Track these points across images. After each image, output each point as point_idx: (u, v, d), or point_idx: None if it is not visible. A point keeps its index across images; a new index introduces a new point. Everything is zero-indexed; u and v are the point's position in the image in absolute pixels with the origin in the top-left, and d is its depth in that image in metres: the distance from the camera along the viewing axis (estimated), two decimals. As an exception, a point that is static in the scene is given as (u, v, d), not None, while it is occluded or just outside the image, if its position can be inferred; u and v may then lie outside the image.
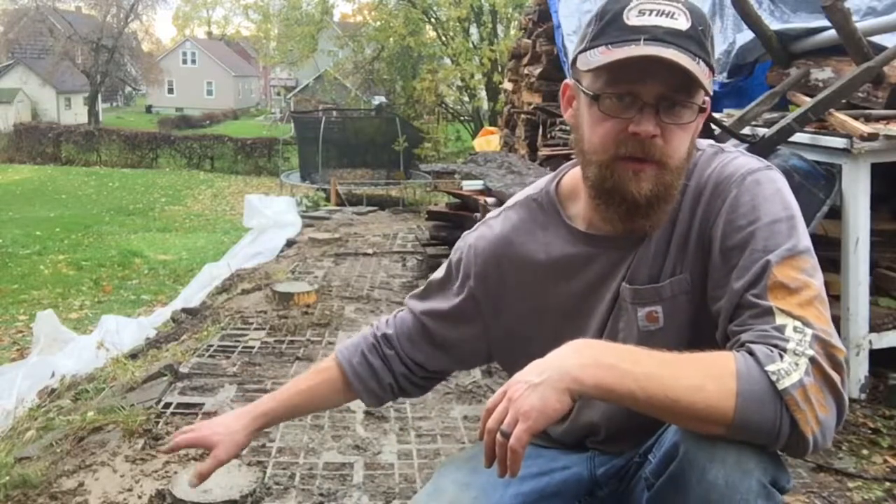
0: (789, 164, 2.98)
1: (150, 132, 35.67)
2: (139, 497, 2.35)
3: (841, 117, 3.04)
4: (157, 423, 2.86)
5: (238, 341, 3.91)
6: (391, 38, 22.79)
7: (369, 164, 22.25)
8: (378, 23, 23.39)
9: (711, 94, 1.17)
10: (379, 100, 26.17)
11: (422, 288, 1.47)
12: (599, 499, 1.35)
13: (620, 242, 1.25)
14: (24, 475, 2.47)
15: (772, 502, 1.06)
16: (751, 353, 1.05)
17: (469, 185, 5.54)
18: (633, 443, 1.29)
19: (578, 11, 6.03)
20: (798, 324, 1.06)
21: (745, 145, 3.03)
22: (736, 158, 1.23)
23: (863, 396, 2.95)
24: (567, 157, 4.62)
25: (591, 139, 1.19)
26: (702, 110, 1.17)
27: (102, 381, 3.89)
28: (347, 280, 5.35)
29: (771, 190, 1.17)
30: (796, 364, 1.03)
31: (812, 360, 1.04)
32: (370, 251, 6.39)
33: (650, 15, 1.14)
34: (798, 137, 3.13)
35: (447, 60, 22.99)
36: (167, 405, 3.05)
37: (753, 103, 3.52)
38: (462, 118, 24.71)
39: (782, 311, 1.08)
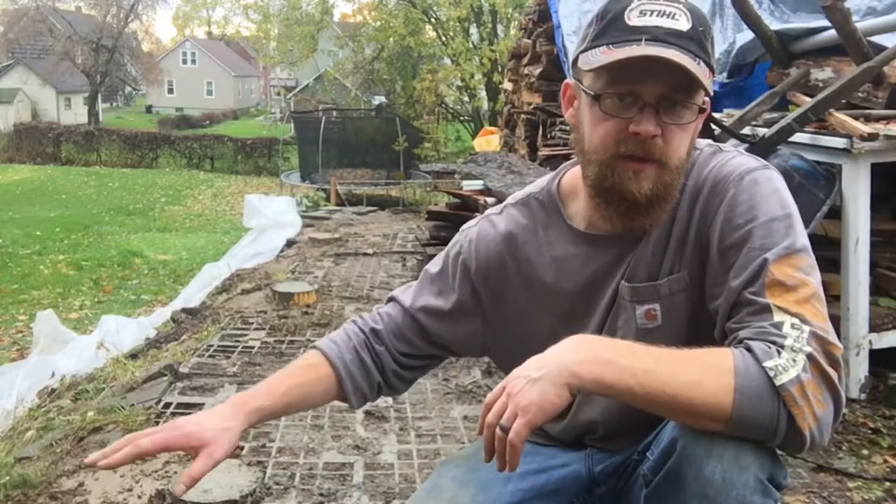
0: (789, 164, 2.98)
1: (150, 132, 35.67)
2: (139, 497, 2.35)
3: (841, 117, 3.05)
4: (157, 423, 2.86)
5: (238, 341, 3.92)
6: (391, 38, 22.80)
7: (369, 164, 22.24)
8: (378, 23, 23.41)
9: (712, 94, 1.18)
10: (379, 100, 26.17)
11: (415, 282, 1.44)
12: (598, 496, 1.35)
13: (619, 241, 1.26)
14: (24, 475, 2.47)
15: (769, 498, 1.07)
16: (749, 349, 1.06)
17: (469, 185, 5.54)
18: (631, 440, 1.29)
19: (578, 11, 6.03)
20: (795, 321, 1.07)
21: (745, 145, 3.03)
22: (734, 158, 1.24)
23: (863, 396, 2.95)
24: (567, 157, 4.62)
25: (592, 138, 1.20)
26: (702, 111, 1.18)
27: (102, 381, 3.89)
28: (347, 280, 5.35)
29: (768, 189, 1.18)
30: (794, 360, 1.04)
31: (810, 356, 1.05)
32: (370, 251, 6.39)
33: (651, 15, 1.14)
34: (798, 137, 3.13)
35: (447, 60, 23.01)
36: (167, 405, 3.05)
37: (753, 103, 3.52)
38: (462, 118, 24.73)
39: (780, 308, 1.08)
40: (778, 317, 1.08)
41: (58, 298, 11.96)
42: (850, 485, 2.39)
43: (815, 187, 2.98)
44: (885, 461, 2.54)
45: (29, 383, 4.82)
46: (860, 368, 2.95)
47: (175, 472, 2.47)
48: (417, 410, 3.07)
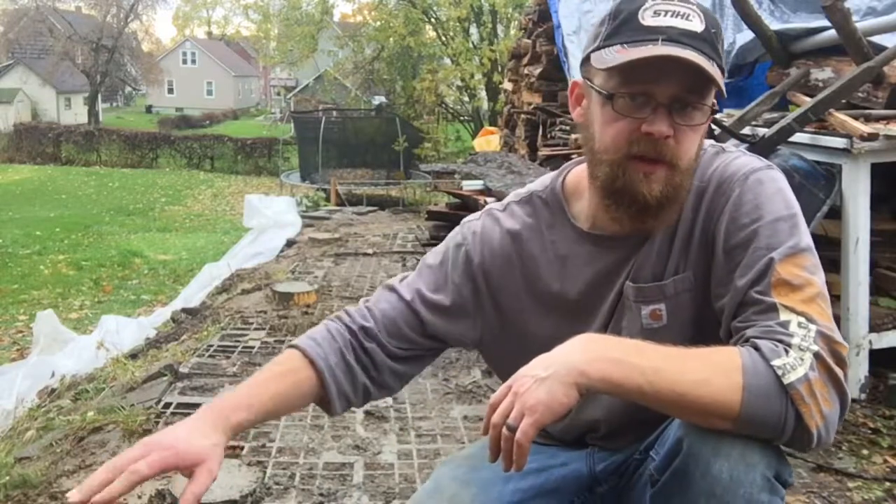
0: (789, 164, 2.98)
1: (150, 132, 35.66)
2: (139, 497, 2.35)
3: (841, 117, 3.05)
4: (157, 423, 2.86)
5: (238, 341, 3.92)
6: (391, 38, 22.80)
7: (369, 164, 22.23)
8: (378, 23, 23.41)
9: (725, 96, 1.18)
10: (379, 100, 26.17)
11: (412, 273, 1.40)
12: (599, 495, 1.35)
13: (624, 242, 1.26)
14: (24, 475, 2.47)
15: (775, 496, 1.07)
16: (756, 347, 1.06)
17: (469, 185, 5.55)
18: (632, 439, 1.29)
19: (578, 11, 6.03)
20: (802, 320, 1.08)
21: (745, 145, 3.03)
22: (738, 158, 1.24)
23: (863, 396, 2.95)
24: (567, 157, 4.63)
25: (603, 138, 1.19)
26: (712, 112, 1.18)
27: (102, 381, 3.89)
28: (347, 280, 5.35)
29: (773, 189, 1.18)
30: (801, 359, 1.04)
31: (816, 355, 1.05)
32: (370, 251, 6.39)
33: (665, 16, 1.14)
34: (798, 137, 3.13)
35: (447, 60, 23.01)
36: (167, 405, 3.05)
37: (753, 103, 3.52)
38: (462, 118, 24.73)
39: (786, 307, 1.09)
40: (784, 316, 1.08)
41: (58, 298, 11.96)
42: (850, 485, 2.39)
43: (815, 187, 2.98)
44: (885, 461, 2.54)
45: (29, 383, 4.82)
46: (860, 368, 2.95)
47: (175, 472, 2.46)
48: (417, 410, 3.07)
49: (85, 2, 41.82)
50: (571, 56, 5.79)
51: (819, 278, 1.13)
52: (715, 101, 1.19)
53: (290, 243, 7.28)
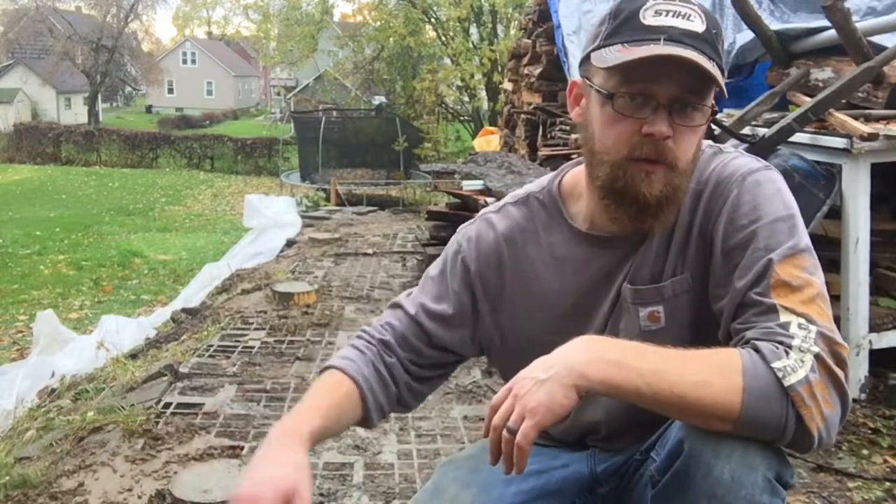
0: (789, 164, 2.98)
1: (150, 132, 35.64)
2: (139, 497, 2.35)
3: (841, 117, 3.04)
4: (157, 423, 2.86)
5: (238, 341, 3.92)
6: (391, 38, 22.79)
7: (369, 164, 22.22)
8: (378, 23, 23.39)
9: (727, 96, 1.18)
10: (379, 100, 26.16)
11: (417, 287, 1.41)
12: (600, 496, 1.35)
13: (621, 243, 1.26)
14: (24, 475, 2.47)
15: (777, 497, 1.07)
16: (756, 349, 1.06)
17: (469, 185, 5.54)
18: (633, 440, 1.29)
19: (578, 11, 6.03)
20: (802, 321, 1.07)
21: (745, 145, 3.03)
22: (735, 158, 1.23)
23: (863, 396, 2.95)
24: (567, 157, 4.63)
25: (604, 139, 1.19)
26: (712, 113, 1.18)
27: (102, 381, 3.89)
28: (347, 280, 5.35)
29: (771, 190, 1.18)
30: (802, 361, 1.04)
31: (817, 356, 1.05)
32: (370, 251, 6.39)
33: (667, 16, 1.14)
34: (798, 137, 3.13)
35: (447, 60, 23.00)
36: (167, 405, 3.05)
37: (753, 103, 3.52)
38: (462, 118, 24.72)
39: (786, 308, 1.08)
40: (784, 317, 1.08)
41: (58, 298, 11.96)
42: (850, 485, 2.39)
43: (815, 187, 2.98)
44: (885, 461, 2.54)
45: (29, 383, 4.82)
46: (860, 368, 2.95)
47: (175, 472, 2.47)
48: (417, 410, 3.05)
49: (85, 2, 41.82)
50: (571, 56, 5.79)
51: (818, 279, 1.13)
52: (714, 101, 1.18)
53: (290, 243, 7.28)
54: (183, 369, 3.45)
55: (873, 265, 3.08)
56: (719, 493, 1.04)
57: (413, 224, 7.83)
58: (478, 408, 3.08)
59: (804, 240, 1.15)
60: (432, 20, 23.09)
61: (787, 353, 1.04)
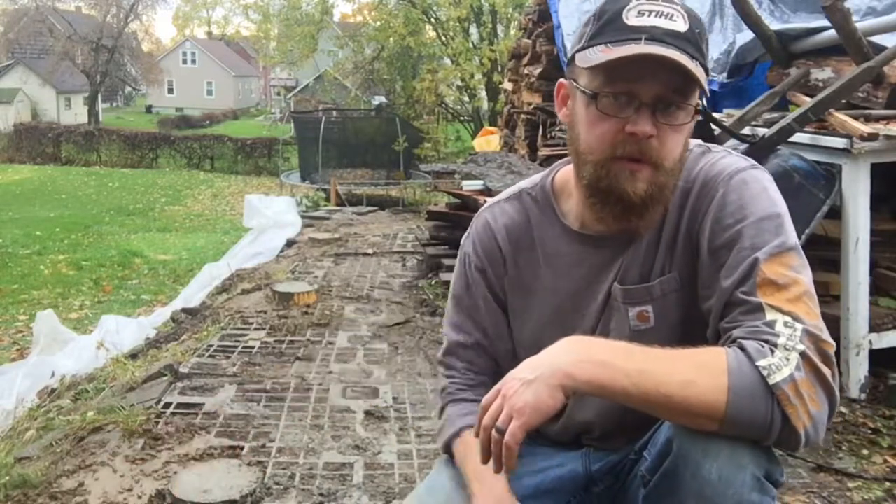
0: (789, 164, 2.98)
1: (150, 132, 35.64)
2: (139, 497, 2.35)
3: (841, 117, 3.05)
4: (157, 423, 2.86)
5: (238, 341, 3.91)
6: (391, 38, 22.79)
7: (369, 164, 22.23)
8: (378, 23, 23.39)
9: (709, 95, 1.18)
10: (379, 100, 26.16)
11: (451, 323, 1.41)
12: (595, 495, 1.35)
13: (612, 242, 1.27)
14: (24, 475, 2.47)
15: (766, 495, 1.07)
16: (742, 348, 1.06)
17: (469, 185, 5.54)
18: (627, 439, 1.30)
19: (578, 11, 6.03)
20: (788, 319, 1.08)
21: (745, 145, 3.03)
22: (723, 158, 1.24)
23: (863, 396, 2.95)
24: (567, 157, 4.62)
25: (588, 139, 1.20)
26: (696, 112, 1.18)
27: (102, 381, 3.89)
28: (347, 280, 5.35)
29: (757, 189, 1.18)
30: (787, 359, 1.04)
31: (803, 354, 1.05)
32: (370, 251, 6.39)
33: (649, 16, 1.15)
34: (798, 137, 3.13)
35: (447, 60, 22.99)
36: (167, 405, 3.05)
37: (753, 103, 3.52)
38: (462, 118, 24.72)
39: (772, 307, 1.09)
40: (770, 315, 1.08)
41: (58, 298, 11.95)
42: (850, 485, 2.39)
43: (815, 187, 2.98)
44: (885, 461, 2.53)
45: (29, 383, 4.82)
46: (860, 368, 2.95)
47: (175, 472, 2.47)
48: (417, 410, 3.07)
49: (85, 2, 41.81)
50: (569, 55, 5.79)
51: (806, 277, 1.13)
52: (701, 101, 1.19)
53: (290, 243, 7.28)
54: (183, 369, 3.45)
55: (873, 265, 3.07)
56: (707, 492, 1.05)
57: (413, 224, 7.83)
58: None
59: (791, 238, 1.15)
60: (432, 20, 23.09)
61: (772, 351, 1.05)
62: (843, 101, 3.20)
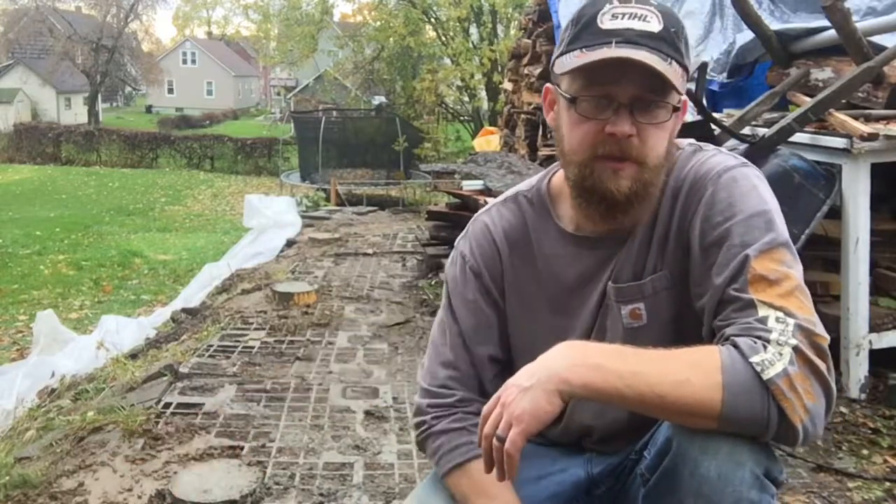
0: (789, 164, 2.98)
1: (150, 132, 35.63)
2: (139, 497, 2.35)
3: (841, 117, 3.05)
4: (157, 423, 2.86)
5: (238, 341, 3.91)
6: (391, 38, 22.78)
7: (369, 164, 22.22)
8: (378, 23, 23.38)
9: (684, 93, 1.20)
10: (379, 100, 26.15)
11: (439, 322, 1.40)
12: (597, 497, 1.36)
13: (606, 242, 1.28)
14: (24, 475, 2.47)
15: (765, 493, 1.08)
16: (735, 345, 1.07)
17: (469, 185, 5.54)
18: (627, 441, 1.30)
19: (578, 11, 6.02)
20: (780, 314, 1.08)
21: (745, 145, 3.03)
22: (713, 157, 1.25)
23: (863, 396, 2.95)
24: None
25: (571, 141, 1.22)
26: (676, 109, 1.20)
27: (102, 381, 3.89)
28: (347, 280, 5.35)
29: (747, 186, 1.19)
30: (780, 354, 1.05)
31: (795, 349, 1.05)
32: (370, 251, 6.39)
33: (623, 18, 1.17)
34: (798, 137, 3.13)
35: (447, 60, 22.98)
36: (167, 405, 3.05)
37: (753, 103, 3.52)
38: (462, 118, 24.71)
39: (764, 302, 1.09)
40: (762, 311, 1.09)
41: (58, 298, 11.95)
42: (850, 485, 2.39)
43: (815, 187, 2.98)
44: (885, 461, 2.53)
45: (29, 383, 4.82)
46: (860, 368, 2.95)
47: (175, 472, 2.47)
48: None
49: (85, 2, 41.81)
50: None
51: (797, 271, 1.14)
52: (685, 97, 1.21)
53: (290, 243, 7.28)
54: (183, 369, 3.45)
55: (873, 265, 3.07)
56: (706, 490, 1.05)
57: (413, 224, 7.83)
58: (478, 408, 3.07)
59: (781, 234, 1.16)
60: (432, 20, 23.08)
61: (765, 347, 1.05)
62: (843, 101, 3.20)
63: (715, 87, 4.26)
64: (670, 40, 1.17)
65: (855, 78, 3.14)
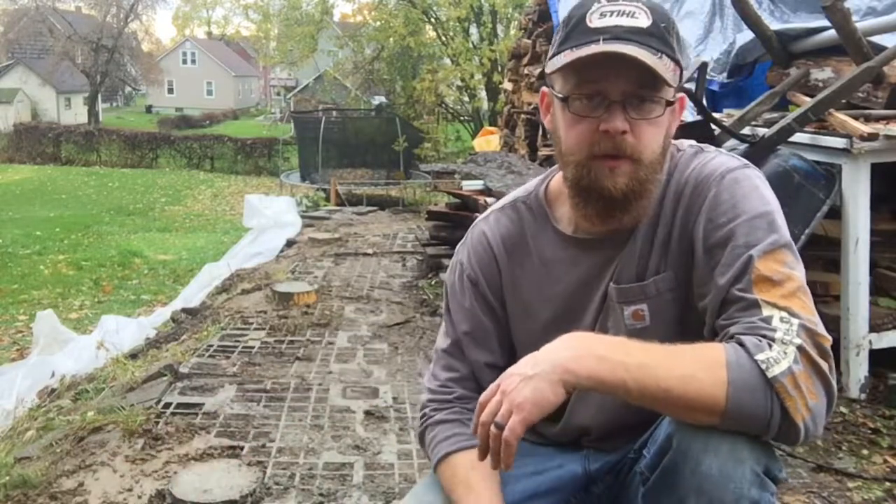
0: (789, 164, 2.98)
1: (150, 132, 35.63)
2: (139, 497, 2.35)
3: (841, 117, 3.05)
4: (157, 423, 2.86)
5: (238, 341, 3.91)
6: (391, 38, 22.78)
7: (369, 164, 22.23)
8: (378, 23, 23.38)
9: (676, 87, 1.20)
10: (379, 100, 26.16)
11: (441, 327, 1.42)
12: (595, 495, 1.36)
13: (606, 244, 1.28)
14: (24, 475, 2.47)
15: (765, 491, 1.08)
16: (740, 343, 1.07)
17: (469, 185, 5.54)
18: (625, 440, 1.31)
19: (578, 11, 6.02)
20: (784, 314, 1.09)
21: (745, 145, 3.02)
22: (715, 158, 1.26)
23: (863, 396, 2.95)
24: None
25: (567, 141, 1.23)
26: (669, 104, 1.20)
27: (102, 381, 3.89)
28: (347, 280, 5.35)
29: (749, 187, 1.20)
30: (784, 353, 1.06)
31: (800, 348, 1.06)
32: (370, 251, 6.39)
33: (611, 16, 1.18)
34: (798, 137, 3.13)
35: (447, 60, 22.98)
36: (167, 405, 3.05)
37: (753, 103, 3.52)
38: (462, 118, 24.71)
39: (768, 302, 1.10)
40: (767, 311, 1.09)
41: (58, 298, 11.95)
42: (850, 485, 2.39)
43: (815, 187, 2.98)
44: (885, 461, 2.54)
45: (29, 383, 4.82)
46: (860, 368, 2.95)
47: (175, 472, 2.47)
48: (417, 410, 3.06)
49: (85, 2, 41.82)
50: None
51: (799, 272, 1.15)
52: (680, 93, 1.22)
53: (290, 243, 7.28)
54: (183, 369, 3.45)
55: (873, 265, 3.07)
56: (706, 487, 1.05)
57: (413, 224, 7.83)
58: (478, 408, 3.07)
59: (784, 235, 1.16)
60: (432, 20, 23.08)
61: (769, 345, 1.06)
62: (843, 101, 3.20)
63: (715, 87, 4.25)
64: (660, 35, 1.17)
65: (855, 78, 3.14)
